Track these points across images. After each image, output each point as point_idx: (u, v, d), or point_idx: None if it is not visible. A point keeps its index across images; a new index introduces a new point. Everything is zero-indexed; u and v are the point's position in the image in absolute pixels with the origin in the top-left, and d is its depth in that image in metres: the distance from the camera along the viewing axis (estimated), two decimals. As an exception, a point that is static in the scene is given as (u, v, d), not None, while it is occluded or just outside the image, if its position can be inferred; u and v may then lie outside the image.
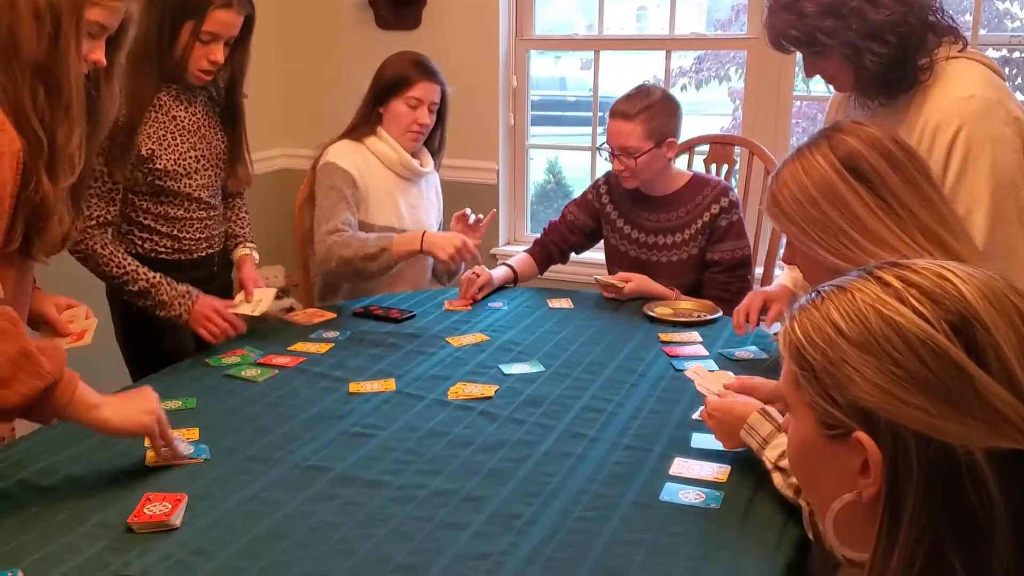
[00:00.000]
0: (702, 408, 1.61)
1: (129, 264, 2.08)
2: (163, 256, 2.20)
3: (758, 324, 2.08)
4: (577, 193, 2.85)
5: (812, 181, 1.42)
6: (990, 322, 0.74)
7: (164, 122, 2.13)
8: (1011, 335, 0.74)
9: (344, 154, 2.57)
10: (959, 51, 1.81)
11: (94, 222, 2.06)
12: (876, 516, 0.76)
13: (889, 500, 0.75)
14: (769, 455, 1.42)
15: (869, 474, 0.76)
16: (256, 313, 2.28)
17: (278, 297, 2.42)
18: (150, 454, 1.56)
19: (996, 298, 0.75)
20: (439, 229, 2.79)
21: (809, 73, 1.92)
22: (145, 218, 2.17)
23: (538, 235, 2.80)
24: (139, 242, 2.18)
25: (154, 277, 2.08)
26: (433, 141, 2.72)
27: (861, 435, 0.76)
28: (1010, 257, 1.73)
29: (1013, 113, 1.76)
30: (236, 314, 2.18)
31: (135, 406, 1.49)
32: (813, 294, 0.83)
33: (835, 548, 0.82)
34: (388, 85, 2.56)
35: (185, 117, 2.17)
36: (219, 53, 2.07)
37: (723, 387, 1.65)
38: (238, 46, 2.15)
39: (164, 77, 2.10)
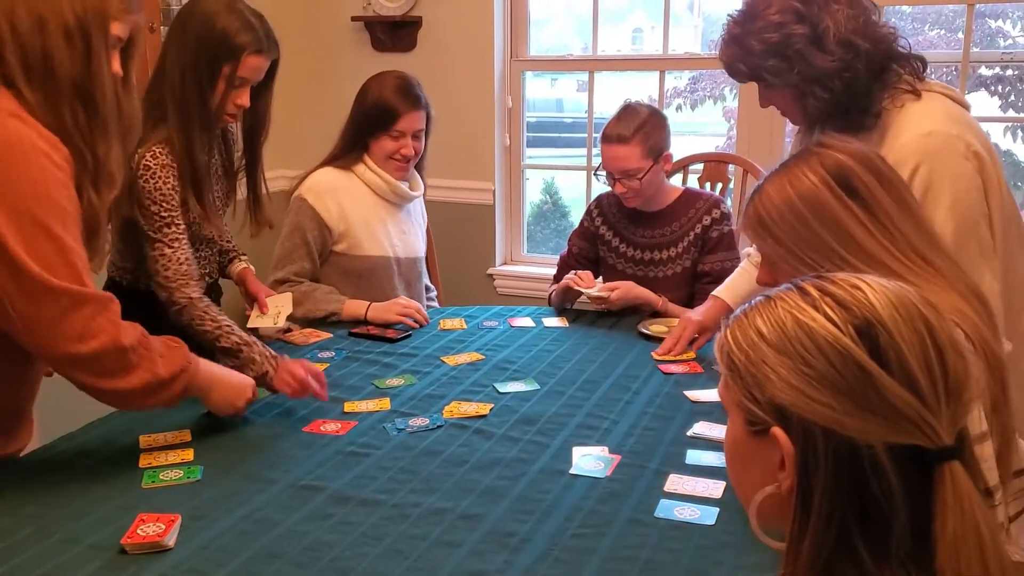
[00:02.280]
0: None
1: (222, 318, 1.99)
2: None
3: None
4: (574, 213, 2.86)
5: (800, 197, 1.36)
6: (893, 327, 0.80)
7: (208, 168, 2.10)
8: (914, 340, 0.80)
9: (323, 189, 2.54)
10: (919, 79, 1.77)
11: (187, 267, 2.00)
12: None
13: (801, 490, 0.81)
14: None
15: (786, 467, 0.82)
16: (280, 324, 2.28)
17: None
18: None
19: (903, 306, 0.81)
20: (425, 249, 2.81)
21: (763, 103, 1.89)
22: None
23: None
24: (148, 280, 2.11)
25: (246, 335, 1.99)
26: (420, 163, 2.70)
27: (777, 431, 0.81)
28: None
29: (973, 147, 1.71)
30: (254, 328, 2.17)
31: (234, 395, 1.75)
32: (746, 305, 0.89)
33: (759, 536, 0.87)
34: (373, 118, 2.52)
35: (207, 163, 2.14)
36: (246, 97, 2.04)
37: None
38: (262, 90, 2.12)
39: (205, 125, 2.05)
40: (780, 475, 0.83)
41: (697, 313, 2.24)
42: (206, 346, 1.97)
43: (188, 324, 1.97)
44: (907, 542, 0.78)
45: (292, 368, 1.88)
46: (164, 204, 1.98)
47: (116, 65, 1.53)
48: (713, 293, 2.25)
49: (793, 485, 0.81)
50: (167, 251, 1.98)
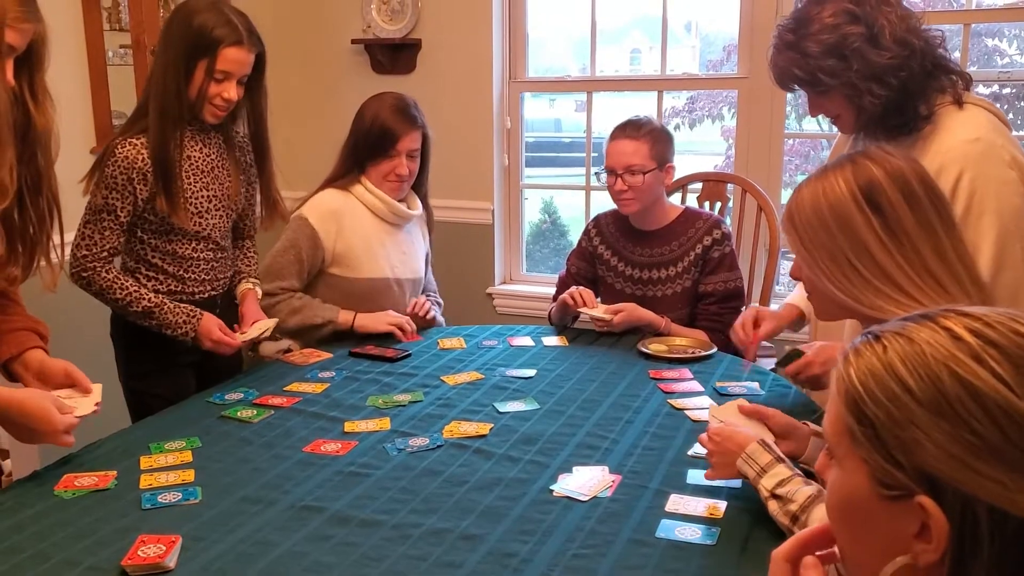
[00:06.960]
0: (703, 433, 1.59)
1: (131, 286, 2.11)
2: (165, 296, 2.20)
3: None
4: (572, 232, 2.87)
5: (828, 204, 1.39)
6: None
7: (178, 161, 2.14)
8: None
9: (326, 210, 2.55)
10: (963, 91, 1.81)
11: (105, 253, 2.11)
12: None
13: (954, 572, 0.71)
14: (765, 483, 1.40)
15: (930, 539, 0.71)
16: (266, 336, 2.28)
17: (275, 338, 2.41)
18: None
19: None
20: (428, 270, 2.83)
21: (813, 112, 1.93)
22: (153, 256, 2.18)
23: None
24: (144, 280, 2.19)
25: (156, 297, 2.12)
26: (421, 185, 2.71)
27: (926, 501, 0.71)
28: (1014, 300, 1.71)
29: (1018, 159, 1.75)
30: (254, 348, 2.21)
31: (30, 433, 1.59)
32: (871, 337, 0.78)
33: None
34: (371, 140, 2.53)
35: (199, 157, 2.19)
36: (232, 91, 2.10)
37: (737, 409, 1.63)
38: (253, 85, 2.19)
39: (183, 118, 2.12)
40: (917, 545, 0.72)
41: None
42: (120, 316, 2.15)
43: (97, 294, 2.12)
44: None
45: (209, 328, 2.11)
46: (114, 192, 2.08)
47: (9, 74, 1.52)
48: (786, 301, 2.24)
49: (939, 561, 0.71)
50: (95, 236, 2.09)
